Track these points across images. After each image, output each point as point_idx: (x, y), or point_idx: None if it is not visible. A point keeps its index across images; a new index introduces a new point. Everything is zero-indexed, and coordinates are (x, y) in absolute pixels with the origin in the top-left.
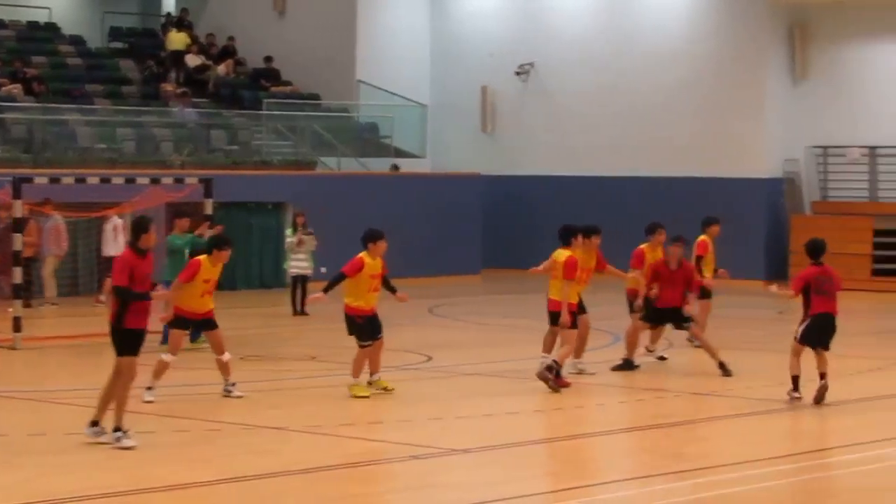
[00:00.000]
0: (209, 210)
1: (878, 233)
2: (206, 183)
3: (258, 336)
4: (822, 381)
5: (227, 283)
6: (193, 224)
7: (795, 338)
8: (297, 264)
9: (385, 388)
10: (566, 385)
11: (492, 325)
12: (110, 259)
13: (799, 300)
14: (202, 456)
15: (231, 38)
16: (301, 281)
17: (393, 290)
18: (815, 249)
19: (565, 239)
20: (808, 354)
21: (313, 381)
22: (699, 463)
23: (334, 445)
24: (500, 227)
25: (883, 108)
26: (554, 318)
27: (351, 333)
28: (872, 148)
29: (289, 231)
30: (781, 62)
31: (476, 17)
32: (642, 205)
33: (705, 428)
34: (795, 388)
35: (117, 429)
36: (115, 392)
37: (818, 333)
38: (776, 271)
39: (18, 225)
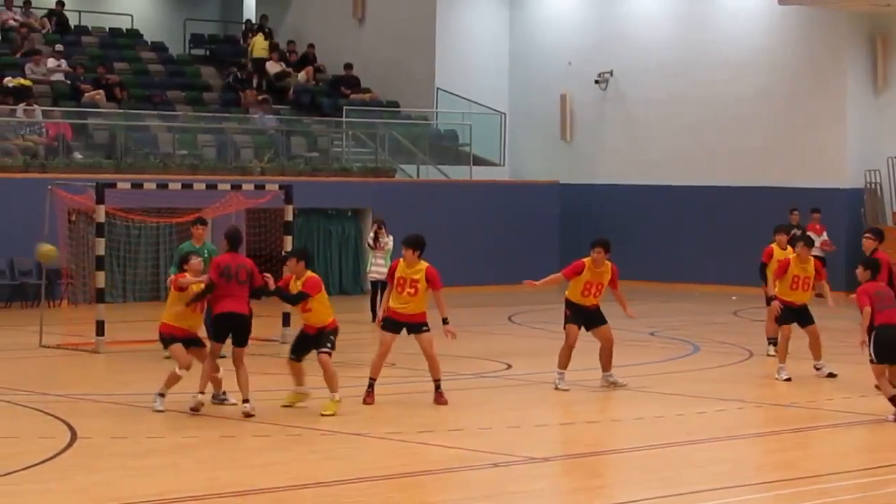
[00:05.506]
0: (289, 216)
1: None
2: (287, 189)
3: (338, 342)
4: None
5: None
6: None
7: None
8: (377, 269)
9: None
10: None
11: None
12: None
13: None
14: (280, 460)
15: (311, 46)
16: (381, 286)
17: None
18: None
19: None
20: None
21: (393, 388)
22: (781, 475)
23: (414, 452)
24: (578, 235)
25: None
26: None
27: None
28: None
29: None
30: (862, 72)
31: (555, 24)
32: (719, 214)
33: (788, 439)
34: None
35: None
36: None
37: None
38: (856, 282)
39: (101, 230)
